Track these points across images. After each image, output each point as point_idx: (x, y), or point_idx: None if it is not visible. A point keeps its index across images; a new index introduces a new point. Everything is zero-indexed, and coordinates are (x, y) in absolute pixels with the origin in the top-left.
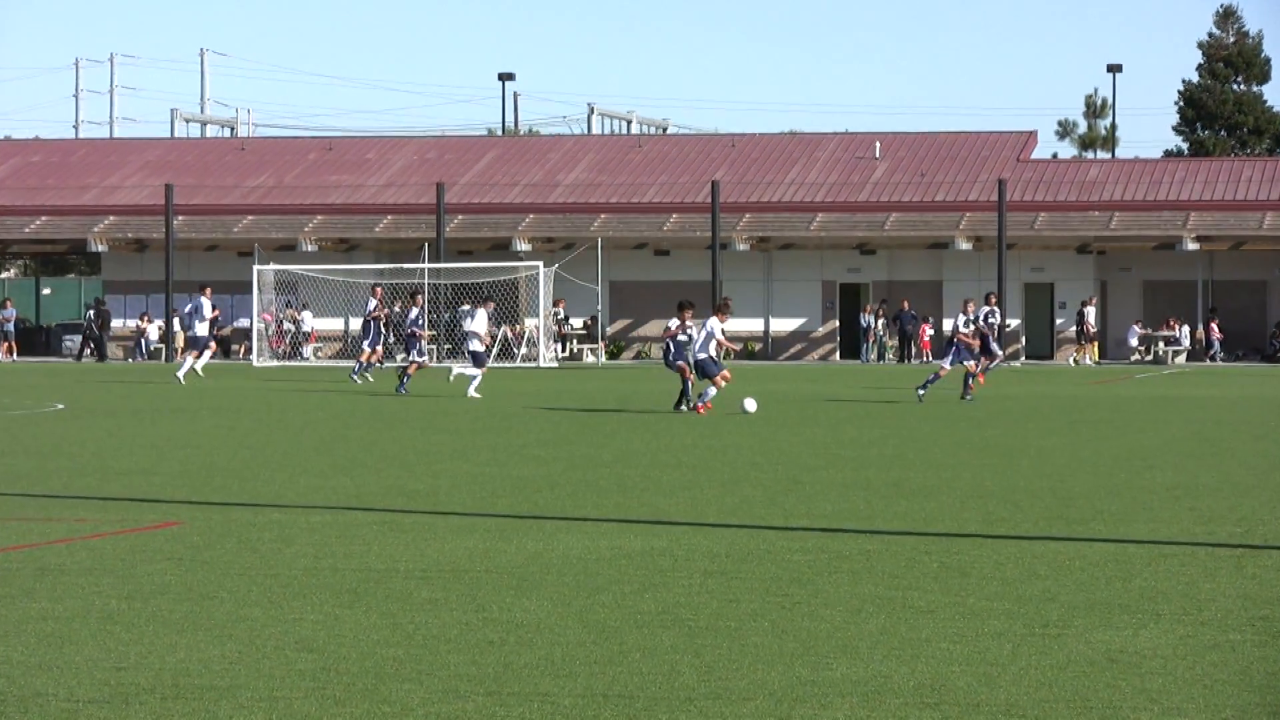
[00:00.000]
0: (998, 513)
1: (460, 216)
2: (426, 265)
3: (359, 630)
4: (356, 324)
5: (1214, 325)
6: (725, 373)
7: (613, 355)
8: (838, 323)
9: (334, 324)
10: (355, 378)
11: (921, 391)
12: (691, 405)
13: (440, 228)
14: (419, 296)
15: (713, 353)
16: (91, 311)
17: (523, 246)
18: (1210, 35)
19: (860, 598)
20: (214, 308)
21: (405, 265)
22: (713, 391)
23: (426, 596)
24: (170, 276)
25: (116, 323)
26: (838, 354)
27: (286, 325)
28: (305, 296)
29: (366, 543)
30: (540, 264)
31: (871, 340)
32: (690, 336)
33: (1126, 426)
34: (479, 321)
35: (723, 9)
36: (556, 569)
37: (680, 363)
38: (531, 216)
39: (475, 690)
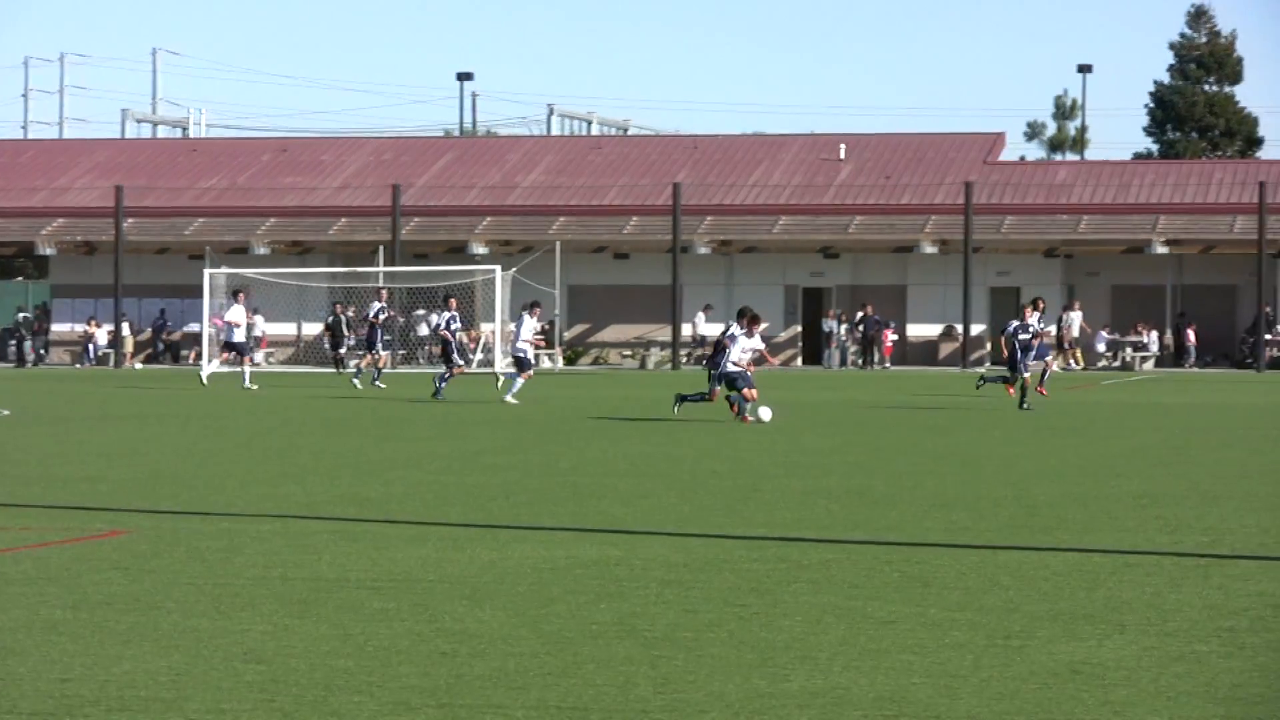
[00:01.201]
0: (960, 521)
1: (416, 219)
2: (382, 269)
3: (308, 641)
4: (310, 329)
5: (1190, 331)
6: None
7: (570, 361)
8: (800, 328)
9: (287, 329)
10: (372, 384)
11: (1030, 401)
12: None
13: (396, 230)
14: (452, 300)
15: (745, 364)
16: (20, 316)
17: (480, 249)
18: (1182, 35)
19: (820, 608)
20: (246, 313)
21: (360, 269)
22: (749, 406)
23: (378, 607)
24: (119, 280)
25: (64, 327)
26: (800, 359)
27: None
28: (257, 301)
29: (317, 552)
30: (498, 267)
31: (834, 346)
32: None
33: (1093, 434)
34: (526, 327)
35: (685, 8)
36: (510, 579)
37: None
38: (489, 219)
39: (427, 702)
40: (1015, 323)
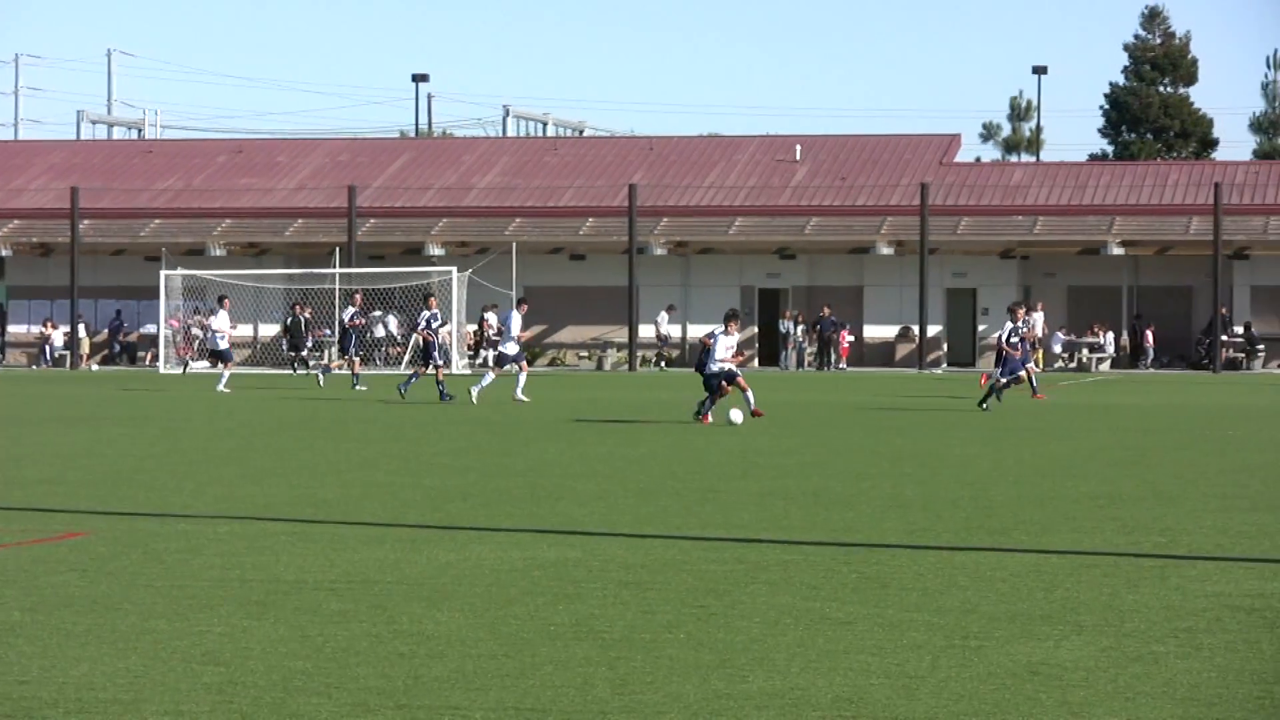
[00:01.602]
0: (918, 522)
1: (372, 220)
2: (338, 270)
3: (266, 643)
4: (267, 330)
5: (1149, 332)
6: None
7: (527, 362)
8: (756, 329)
9: (243, 330)
10: (353, 388)
11: (985, 406)
12: (700, 413)
13: (352, 232)
14: (432, 299)
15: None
16: None
17: (436, 251)
18: (1136, 37)
19: (778, 609)
20: (230, 319)
21: (316, 270)
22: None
23: (336, 608)
24: (75, 281)
25: (20, 328)
26: (756, 360)
27: (195, 331)
28: (214, 302)
29: (275, 553)
30: (454, 269)
31: (791, 347)
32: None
33: (1049, 435)
34: (514, 323)
35: (639, 9)
36: (468, 580)
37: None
38: (445, 220)
39: (385, 704)
40: (1010, 325)
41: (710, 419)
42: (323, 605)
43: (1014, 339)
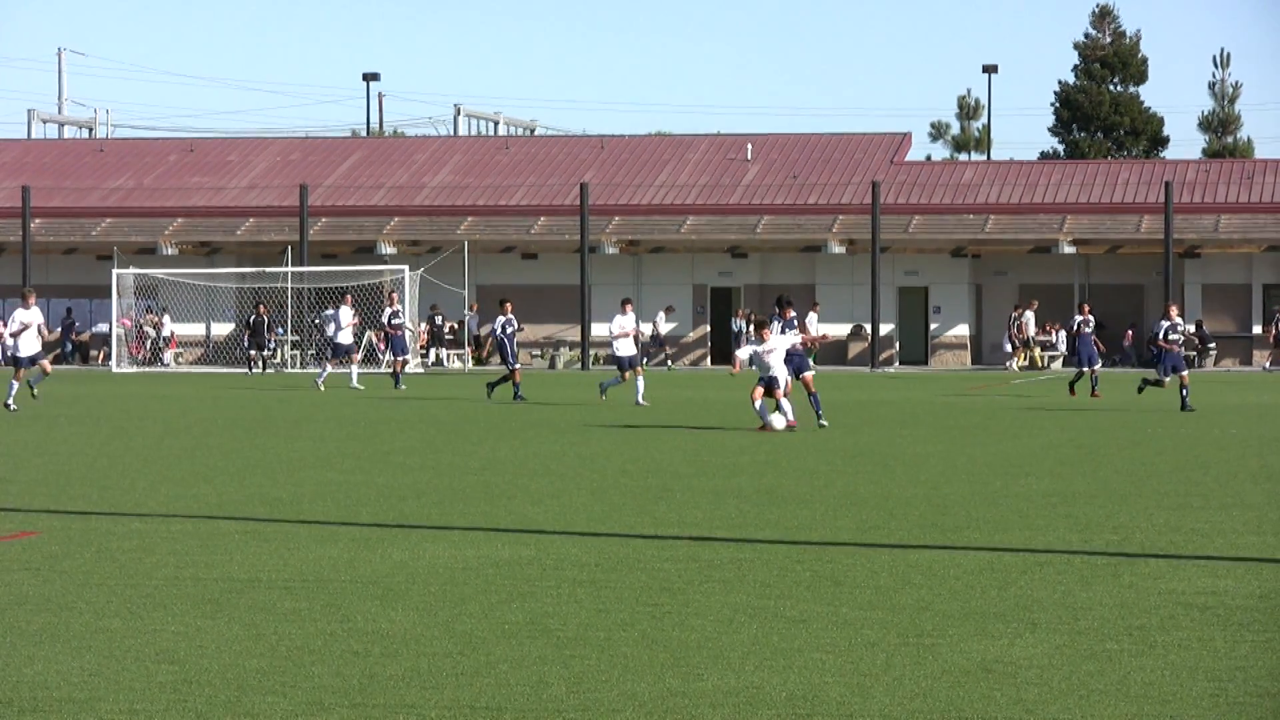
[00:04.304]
0: (871, 520)
1: (324, 219)
2: (290, 269)
3: (221, 641)
4: (219, 329)
5: (1129, 331)
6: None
7: (480, 361)
8: (709, 327)
9: (195, 329)
10: (395, 386)
11: (1187, 407)
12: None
13: (304, 231)
14: (507, 304)
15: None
16: None
17: (388, 250)
18: (1086, 35)
19: (732, 607)
20: (354, 314)
21: (268, 269)
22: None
23: (290, 607)
24: (27, 280)
25: None
26: (709, 359)
27: (147, 330)
28: (165, 301)
29: (228, 552)
30: (406, 268)
31: (743, 345)
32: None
33: (1002, 433)
34: (621, 323)
35: (590, 8)
36: (422, 579)
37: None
38: (397, 219)
39: (340, 702)
40: (1165, 323)
41: (769, 421)
42: (277, 604)
43: (1172, 335)
